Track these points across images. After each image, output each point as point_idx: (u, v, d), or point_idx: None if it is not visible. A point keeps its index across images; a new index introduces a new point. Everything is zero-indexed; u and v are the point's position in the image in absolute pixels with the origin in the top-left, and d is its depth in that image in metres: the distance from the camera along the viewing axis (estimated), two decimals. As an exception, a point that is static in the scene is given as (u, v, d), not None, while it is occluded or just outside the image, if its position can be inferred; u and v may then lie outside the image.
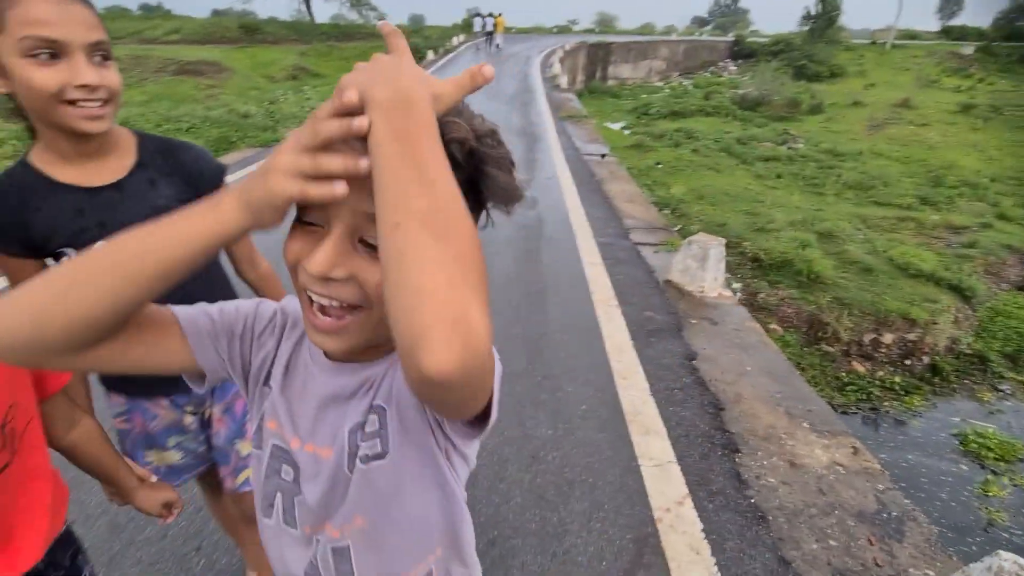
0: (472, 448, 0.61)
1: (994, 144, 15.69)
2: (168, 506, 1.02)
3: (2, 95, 0.77)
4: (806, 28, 32.05)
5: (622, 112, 20.53)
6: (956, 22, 48.29)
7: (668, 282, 3.53)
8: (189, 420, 1.10)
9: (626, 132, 16.59)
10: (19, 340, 0.46)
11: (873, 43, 35.67)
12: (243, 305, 0.65)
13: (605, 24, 58.86)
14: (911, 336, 5.39)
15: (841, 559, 1.66)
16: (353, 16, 34.92)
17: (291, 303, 0.64)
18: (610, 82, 26.88)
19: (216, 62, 22.48)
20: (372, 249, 0.46)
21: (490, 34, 23.50)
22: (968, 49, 30.83)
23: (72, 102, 0.75)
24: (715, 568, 1.59)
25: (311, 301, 0.51)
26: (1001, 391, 5.32)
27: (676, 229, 5.26)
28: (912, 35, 41.88)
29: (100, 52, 0.77)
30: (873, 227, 8.16)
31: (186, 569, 1.54)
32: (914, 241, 7.64)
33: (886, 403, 5.06)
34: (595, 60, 26.37)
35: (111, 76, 0.79)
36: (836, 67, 28.32)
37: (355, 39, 29.76)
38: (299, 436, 0.61)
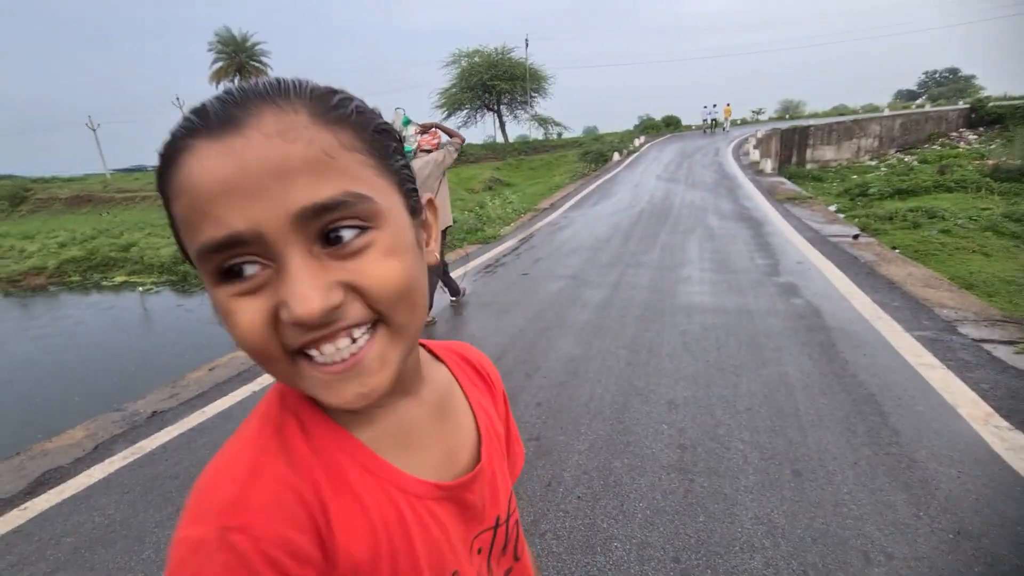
0: None
1: None
2: None
3: None
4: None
5: (829, 195, 18.43)
6: None
7: (1075, 397, 2.42)
8: None
9: (840, 215, 14.67)
10: None
11: None
12: None
13: (792, 111, 56.14)
14: None
15: None
16: (538, 133, 38.92)
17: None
18: (809, 166, 24.79)
19: (430, 180, 26.54)
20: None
21: (716, 121, 29.56)
22: None
23: None
24: None
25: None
26: None
27: None
28: None
29: None
30: None
31: None
32: None
33: None
34: (790, 145, 24.76)
35: None
36: None
37: (540, 152, 32.94)
38: None
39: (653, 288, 4.73)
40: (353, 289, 0.36)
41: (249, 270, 0.35)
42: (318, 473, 0.40)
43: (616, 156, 21.49)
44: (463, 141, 4.05)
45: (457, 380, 0.55)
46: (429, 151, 4.00)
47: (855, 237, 6.17)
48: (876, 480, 1.99)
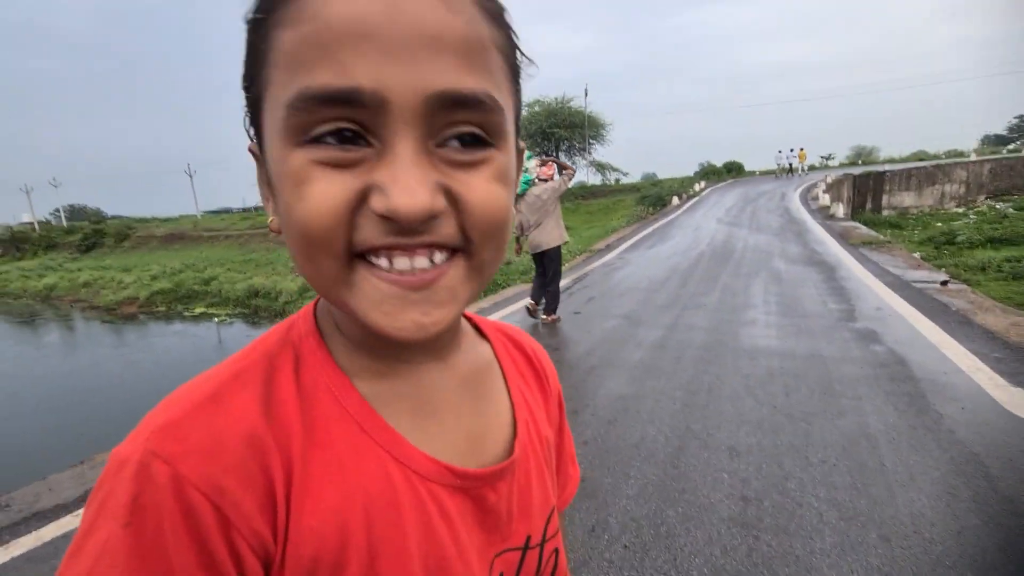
0: None
1: None
2: None
3: None
4: None
5: (910, 243, 17.16)
6: None
7: None
8: None
9: (924, 262, 13.51)
10: None
11: None
12: None
13: (864, 156, 53.77)
14: None
15: None
16: (596, 179, 39.30)
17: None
18: (886, 212, 23.34)
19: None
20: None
21: (791, 165, 29.88)
22: None
23: None
24: None
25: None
26: None
27: None
28: None
29: None
30: None
31: None
32: None
33: None
34: (864, 190, 23.53)
35: None
36: None
37: (598, 197, 33.06)
38: None
39: (713, 330, 4.46)
40: (455, 202, 0.30)
41: (348, 141, 0.28)
42: (294, 418, 0.32)
43: (675, 200, 21.20)
44: (574, 172, 4.96)
45: (500, 364, 0.46)
46: (545, 180, 4.84)
47: (943, 283, 5.61)
48: (987, 555, 1.68)
